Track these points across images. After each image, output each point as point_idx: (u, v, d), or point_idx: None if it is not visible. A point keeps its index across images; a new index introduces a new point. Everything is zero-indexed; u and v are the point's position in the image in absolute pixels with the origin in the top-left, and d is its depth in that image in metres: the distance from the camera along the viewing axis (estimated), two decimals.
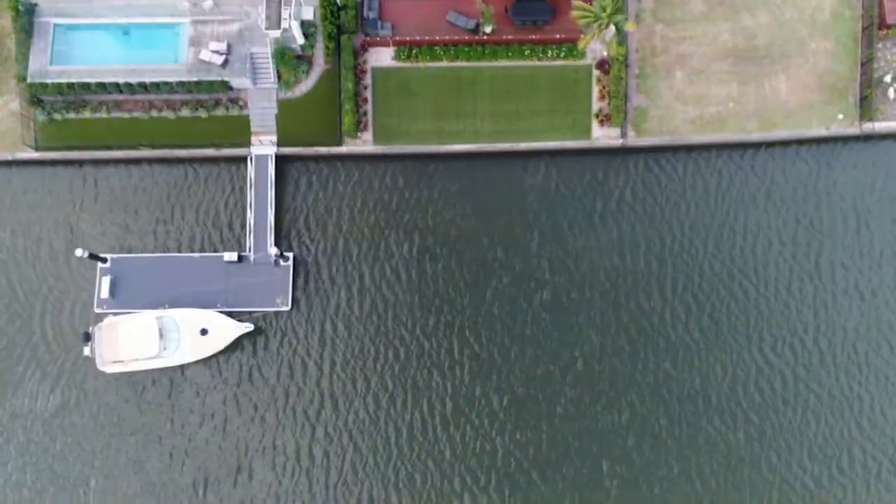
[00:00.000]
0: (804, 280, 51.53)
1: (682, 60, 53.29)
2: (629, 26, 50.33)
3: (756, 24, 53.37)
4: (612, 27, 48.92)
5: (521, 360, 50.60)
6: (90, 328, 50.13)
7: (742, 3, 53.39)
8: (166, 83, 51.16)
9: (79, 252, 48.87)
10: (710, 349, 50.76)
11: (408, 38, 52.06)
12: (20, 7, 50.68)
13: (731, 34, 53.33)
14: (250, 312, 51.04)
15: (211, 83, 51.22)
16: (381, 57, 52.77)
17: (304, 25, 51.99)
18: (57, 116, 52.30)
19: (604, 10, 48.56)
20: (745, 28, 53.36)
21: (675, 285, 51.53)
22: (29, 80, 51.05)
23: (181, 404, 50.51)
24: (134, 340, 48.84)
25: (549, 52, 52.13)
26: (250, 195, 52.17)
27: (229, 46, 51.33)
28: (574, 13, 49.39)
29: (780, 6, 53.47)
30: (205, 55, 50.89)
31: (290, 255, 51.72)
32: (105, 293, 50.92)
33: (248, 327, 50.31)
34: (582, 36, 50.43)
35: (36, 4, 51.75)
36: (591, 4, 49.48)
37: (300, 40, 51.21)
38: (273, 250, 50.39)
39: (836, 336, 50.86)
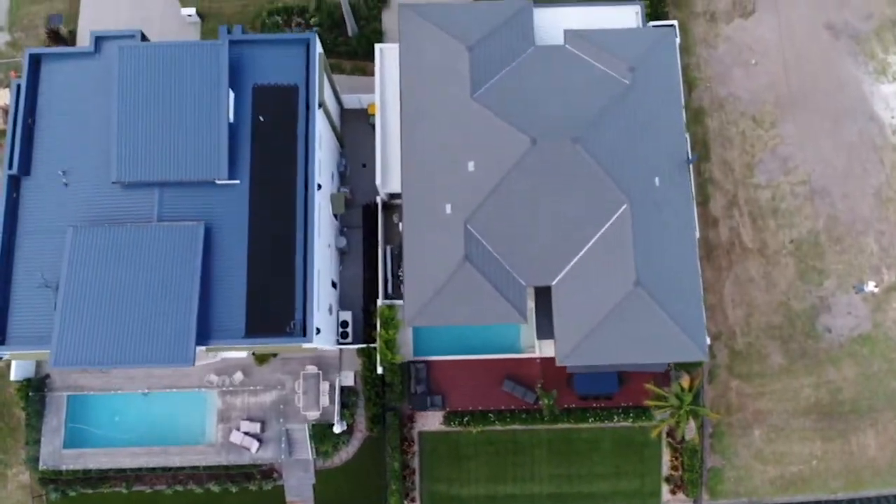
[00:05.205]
0: None
1: (760, 417, 48.37)
2: (711, 416, 45.43)
3: (841, 377, 48.51)
4: (692, 421, 43.86)
5: None
6: None
7: (826, 355, 48.52)
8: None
9: None
10: None
11: (459, 408, 47.06)
12: (30, 393, 45.57)
13: (814, 388, 48.45)
14: None
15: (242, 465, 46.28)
16: (430, 422, 47.77)
17: (345, 393, 47.07)
18: (71, 493, 47.25)
19: (681, 401, 43.58)
20: (829, 382, 48.48)
21: None
22: (41, 466, 46.07)
23: None
24: None
25: (615, 416, 47.15)
26: None
27: (263, 425, 46.28)
28: (648, 402, 44.46)
29: (867, 357, 48.61)
30: (236, 438, 45.84)
31: None
32: None
33: None
34: (655, 422, 45.62)
35: (48, 376, 46.81)
36: (666, 390, 44.50)
37: (339, 428, 46.07)
38: None
39: None
